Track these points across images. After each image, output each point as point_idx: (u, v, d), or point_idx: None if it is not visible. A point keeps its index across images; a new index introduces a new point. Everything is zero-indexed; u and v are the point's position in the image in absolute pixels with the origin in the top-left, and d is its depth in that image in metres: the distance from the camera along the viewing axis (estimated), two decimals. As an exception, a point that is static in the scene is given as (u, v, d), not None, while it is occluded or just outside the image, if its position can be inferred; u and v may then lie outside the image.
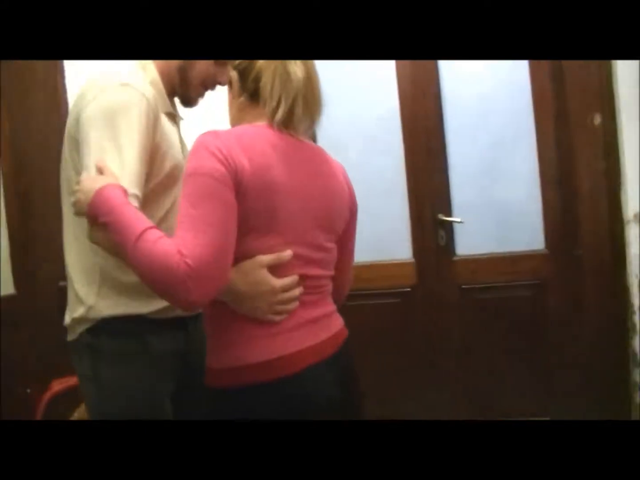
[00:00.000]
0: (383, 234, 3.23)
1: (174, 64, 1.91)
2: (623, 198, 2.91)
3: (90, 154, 1.64)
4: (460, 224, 3.15)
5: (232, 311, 1.53)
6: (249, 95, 1.63)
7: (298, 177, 1.59)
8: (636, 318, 2.85)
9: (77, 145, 1.73)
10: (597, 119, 2.91)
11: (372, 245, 3.18)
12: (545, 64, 3.06)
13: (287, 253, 1.52)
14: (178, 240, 1.39)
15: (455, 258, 3.19)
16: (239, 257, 1.49)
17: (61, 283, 2.90)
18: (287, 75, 1.59)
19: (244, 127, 1.60)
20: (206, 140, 1.48)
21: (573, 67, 2.97)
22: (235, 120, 1.68)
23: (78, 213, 1.59)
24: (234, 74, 1.65)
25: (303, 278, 1.57)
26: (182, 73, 1.91)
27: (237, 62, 1.64)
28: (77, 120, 1.71)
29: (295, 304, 1.55)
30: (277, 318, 1.53)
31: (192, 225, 1.40)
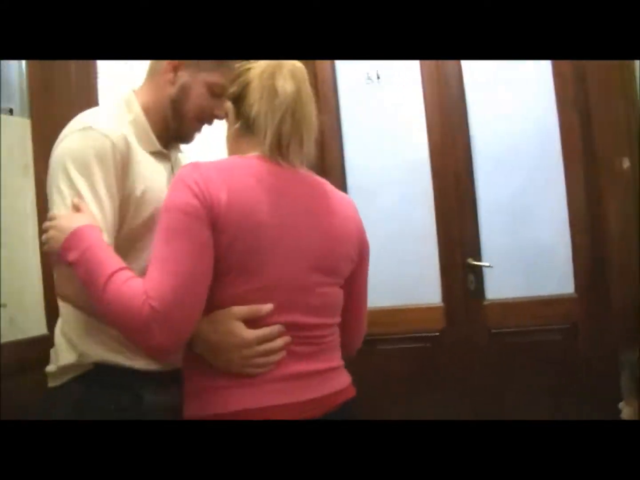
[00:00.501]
0: (413, 278, 3.23)
1: (165, 96, 1.80)
2: (653, 242, 2.89)
3: (50, 197, 1.62)
4: (490, 268, 3.14)
5: None
6: (243, 122, 1.54)
7: (288, 213, 1.45)
8: (668, 363, 2.81)
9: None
10: (626, 163, 2.91)
11: (402, 289, 3.19)
12: (573, 108, 3.07)
13: (267, 306, 1.40)
14: (146, 281, 1.32)
15: (485, 302, 3.18)
16: (216, 300, 1.40)
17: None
18: (274, 91, 1.47)
19: (230, 159, 1.53)
20: (184, 173, 1.40)
21: (601, 111, 2.98)
22: (231, 152, 1.59)
23: (50, 249, 1.55)
24: (228, 104, 1.58)
25: (292, 326, 1.43)
26: (175, 106, 1.80)
27: (231, 90, 1.56)
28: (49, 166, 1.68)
29: (279, 356, 1.41)
30: (254, 372, 1.40)
31: (161, 264, 1.33)
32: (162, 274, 1.32)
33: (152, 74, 1.86)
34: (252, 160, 1.48)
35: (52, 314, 2.57)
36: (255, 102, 1.48)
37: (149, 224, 1.65)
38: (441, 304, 3.21)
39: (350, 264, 1.60)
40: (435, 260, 3.23)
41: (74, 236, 1.46)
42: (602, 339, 3.00)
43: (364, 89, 3.31)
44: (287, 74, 1.49)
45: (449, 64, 3.21)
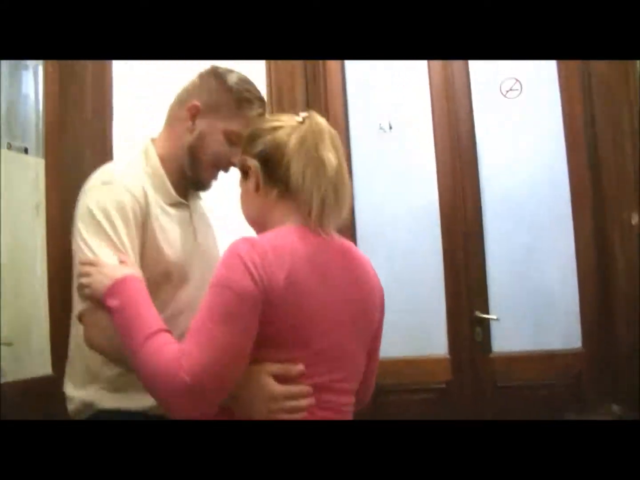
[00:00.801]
0: (419, 329, 3.21)
1: (183, 144, 1.84)
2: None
3: (77, 245, 1.66)
4: (497, 321, 3.13)
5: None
6: (280, 188, 1.53)
7: (331, 286, 1.49)
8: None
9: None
10: (635, 219, 2.91)
11: (408, 340, 3.17)
12: (583, 156, 3.10)
13: (298, 367, 1.41)
14: (184, 352, 1.32)
15: (491, 355, 3.15)
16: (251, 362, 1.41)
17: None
18: (321, 164, 1.49)
19: (278, 234, 1.48)
20: (241, 250, 1.39)
21: (609, 161, 3.01)
22: (260, 217, 1.59)
23: (86, 295, 1.58)
24: (253, 162, 1.55)
25: (321, 389, 1.45)
26: (193, 153, 1.83)
27: (258, 148, 1.55)
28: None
29: (301, 416, 1.42)
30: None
31: (203, 340, 1.33)
32: (201, 351, 1.32)
33: (170, 122, 1.91)
34: (297, 232, 1.49)
35: (58, 355, 2.57)
36: (300, 173, 1.49)
37: (165, 276, 1.74)
38: (448, 356, 3.18)
39: (375, 326, 1.64)
40: (443, 311, 3.21)
41: (120, 284, 1.49)
42: (608, 394, 2.97)
43: (376, 138, 3.32)
44: (330, 144, 1.51)
45: (461, 113, 3.24)
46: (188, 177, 1.87)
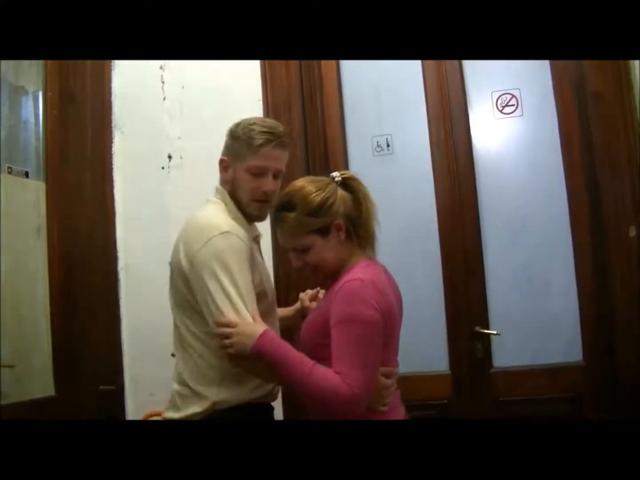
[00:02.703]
0: (419, 346, 3.20)
1: (229, 192, 2.22)
2: (660, 311, 2.88)
3: (209, 295, 2.01)
4: (497, 336, 3.13)
5: None
6: (355, 236, 2.05)
7: (396, 297, 2.07)
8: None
9: (186, 279, 2.09)
10: (632, 231, 2.92)
11: (408, 357, 3.15)
12: (582, 177, 3.10)
13: (394, 369, 2.08)
14: (345, 375, 1.78)
15: (492, 370, 3.15)
16: None
17: (102, 387, 2.93)
18: (375, 208, 2.07)
19: (370, 269, 1.99)
20: (359, 289, 1.88)
21: (607, 178, 3.01)
22: (338, 262, 2.04)
23: (237, 352, 1.93)
24: (339, 221, 2.01)
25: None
26: (234, 196, 2.21)
27: (339, 209, 2.02)
28: (191, 263, 2.07)
29: (391, 398, 2.01)
30: (383, 409, 1.97)
31: (357, 363, 1.81)
32: (358, 371, 1.81)
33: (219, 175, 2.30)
34: (372, 265, 2.05)
35: (59, 376, 2.58)
36: (371, 219, 2.06)
37: (263, 295, 2.18)
38: (448, 372, 3.19)
39: None
40: (443, 327, 3.22)
41: (264, 340, 1.91)
42: (610, 409, 2.97)
43: (373, 158, 3.35)
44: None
45: (459, 131, 3.26)
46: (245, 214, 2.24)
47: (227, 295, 1.99)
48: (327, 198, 2.02)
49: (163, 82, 3.32)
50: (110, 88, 3.22)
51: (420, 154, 3.30)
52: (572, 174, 3.13)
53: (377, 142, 3.32)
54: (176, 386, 2.17)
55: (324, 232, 2.01)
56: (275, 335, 1.95)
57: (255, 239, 2.29)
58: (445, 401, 3.17)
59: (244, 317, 1.98)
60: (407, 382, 3.13)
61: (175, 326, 2.20)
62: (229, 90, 3.28)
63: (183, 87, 3.32)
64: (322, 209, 2.00)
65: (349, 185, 2.08)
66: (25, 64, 2.63)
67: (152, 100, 3.32)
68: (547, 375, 3.09)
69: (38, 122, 2.67)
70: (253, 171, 2.17)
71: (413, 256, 3.28)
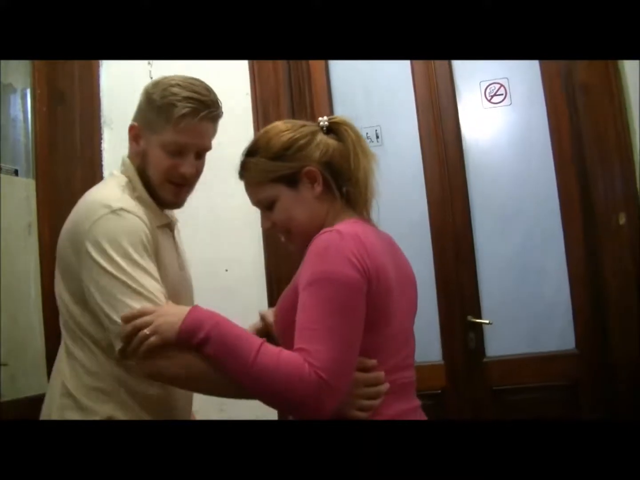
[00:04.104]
0: (412, 336, 3.22)
1: (137, 166, 1.78)
2: (652, 297, 2.89)
3: (102, 277, 1.56)
4: (490, 325, 3.14)
5: None
6: (340, 191, 1.63)
7: (397, 268, 1.57)
8: (671, 420, 2.79)
9: (68, 267, 1.67)
10: (622, 219, 2.94)
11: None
12: (571, 166, 3.11)
13: (371, 361, 1.47)
14: (308, 352, 1.32)
15: (485, 360, 3.16)
16: None
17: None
18: (372, 157, 1.67)
19: (356, 226, 1.54)
20: (335, 242, 1.42)
21: (597, 167, 3.02)
22: (319, 221, 1.60)
23: (155, 343, 1.45)
24: (311, 168, 1.58)
25: (396, 369, 1.53)
26: (143, 175, 1.77)
27: (315, 154, 1.59)
28: (76, 250, 1.62)
29: (378, 402, 1.46)
30: (359, 415, 1.44)
31: (325, 336, 1.33)
32: (328, 346, 1.33)
33: (128, 142, 1.85)
34: (366, 224, 1.63)
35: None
36: (363, 169, 1.63)
37: (172, 296, 1.63)
38: (441, 362, 3.20)
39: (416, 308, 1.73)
40: (435, 318, 3.23)
41: (194, 318, 1.43)
42: (604, 397, 2.98)
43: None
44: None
45: (448, 122, 3.26)
46: (156, 197, 1.79)
47: (133, 280, 1.54)
48: (296, 139, 1.60)
49: (151, 78, 3.30)
50: (98, 84, 3.21)
51: (409, 144, 3.30)
52: (562, 163, 3.14)
53: (367, 133, 3.32)
54: None
55: (291, 181, 1.59)
56: (211, 313, 1.46)
57: (168, 226, 1.84)
58: (439, 391, 3.18)
59: (159, 303, 1.53)
60: (401, 373, 3.18)
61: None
62: (216, 84, 3.25)
63: (171, 82, 3.31)
64: (288, 150, 1.59)
65: (336, 130, 1.65)
66: (13, 61, 2.62)
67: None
68: (540, 363, 3.11)
69: (27, 119, 2.67)
70: (170, 148, 1.72)
71: (404, 247, 3.25)
